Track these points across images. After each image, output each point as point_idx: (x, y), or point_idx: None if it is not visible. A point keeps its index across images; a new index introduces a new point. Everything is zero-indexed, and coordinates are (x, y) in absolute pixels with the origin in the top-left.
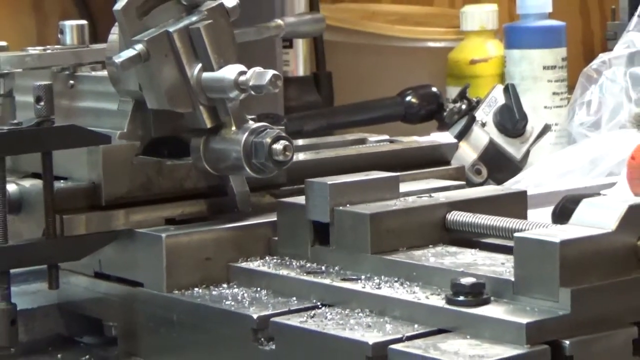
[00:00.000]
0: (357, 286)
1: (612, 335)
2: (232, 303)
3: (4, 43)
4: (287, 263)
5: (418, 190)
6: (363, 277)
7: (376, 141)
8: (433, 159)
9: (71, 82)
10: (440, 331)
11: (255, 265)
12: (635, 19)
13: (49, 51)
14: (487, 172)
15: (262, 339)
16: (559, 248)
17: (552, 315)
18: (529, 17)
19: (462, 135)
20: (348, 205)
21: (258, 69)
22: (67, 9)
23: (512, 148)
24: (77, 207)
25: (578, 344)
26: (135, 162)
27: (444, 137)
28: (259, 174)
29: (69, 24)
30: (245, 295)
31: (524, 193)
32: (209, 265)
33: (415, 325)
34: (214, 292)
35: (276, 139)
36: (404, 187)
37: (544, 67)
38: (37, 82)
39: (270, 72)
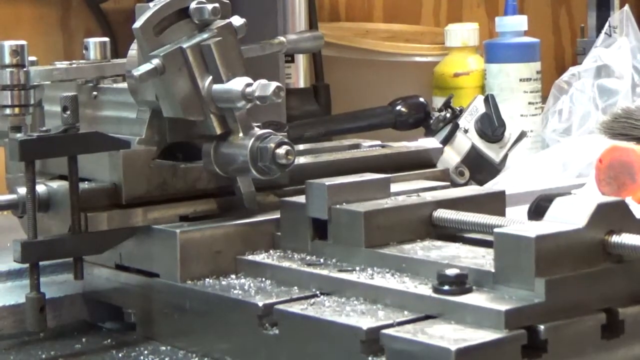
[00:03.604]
0: (352, 277)
1: (583, 321)
2: (240, 292)
3: (34, 58)
4: (289, 256)
5: (407, 190)
6: (358, 268)
7: (369, 146)
8: (420, 162)
9: (94, 93)
10: (427, 317)
11: (260, 258)
12: (602, 36)
13: (74, 65)
14: (469, 174)
15: (267, 325)
16: (534, 242)
17: (528, 302)
18: (506, 34)
19: (446, 140)
20: (344, 204)
21: (263, 81)
22: (91, 27)
23: (491, 152)
24: (100, 206)
25: (552, 328)
26: (153, 165)
27: (431, 143)
28: (264, 176)
29: (93, 41)
30: (252, 285)
31: (502, 193)
32: (219, 257)
33: (405, 312)
34: (223, 282)
35: (279, 144)
36: (394, 188)
37: (520, 80)
38: (64, 93)
39: (274, 84)
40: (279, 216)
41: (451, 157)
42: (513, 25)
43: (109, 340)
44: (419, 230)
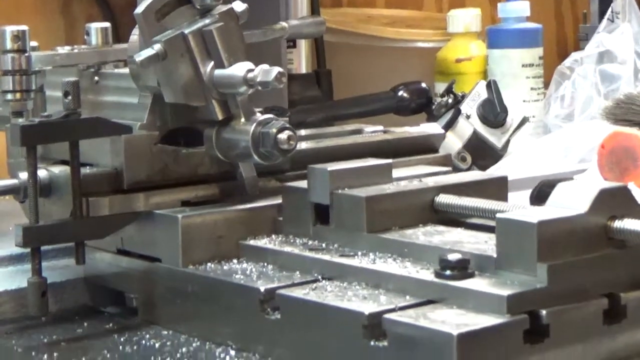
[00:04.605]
0: (354, 262)
1: (585, 306)
2: (242, 277)
3: (35, 43)
4: (291, 241)
5: (409, 176)
6: (359, 253)
7: (371, 131)
8: (423, 148)
9: (96, 78)
10: (429, 302)
11: (262, 242)
12: (604, 21)
13: (76, 50)
14: (471, 159)
15: (269, 309)
16: (536, 227)
17: (530, 287)
18: (509, 20)
19: (448, 126)
20: (346, 189)
21: (265, 66)
22: (92, 12)
23: (494, 138)
24: (102, 191)
25: (554, 313)
26: (154, 150)
27: (433, 128)
28: (266, 161)
29: (94, 26)
30: (254, 269)
31: (504, 178)
32: (221, 242)
33: (407, 297)
34: (225, 267)
35: (281, 130)
36: (396, 173)
37: (523, 65)
38: (65, 79)
39: (276, 70)
40: (280, 201)
41: (453, 142)
42: (515, 10)
43: (110, 325)
44: (421, 216)
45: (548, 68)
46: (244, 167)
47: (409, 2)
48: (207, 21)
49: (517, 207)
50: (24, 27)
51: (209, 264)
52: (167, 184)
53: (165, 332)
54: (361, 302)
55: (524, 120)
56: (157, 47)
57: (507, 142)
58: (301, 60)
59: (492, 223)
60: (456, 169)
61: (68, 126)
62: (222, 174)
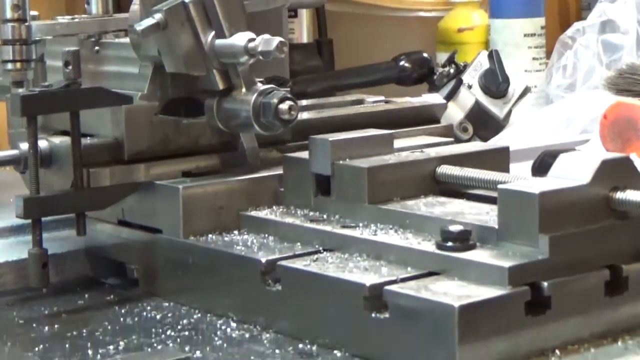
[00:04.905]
0: (355, 233)
1: (586, 278)
2: (243, 248)
3: (35, 13)
4: (292, 212)
5: (411, 146)
6: (361, 224)
7: (373, 102)
8: (424, 118)
9: (96, 48)
10: (430, 274)
11: (263, 214)
12: None
13: (76, 20)
14: (473, 130)
15: (270, 281)
16: (538, 198)
17: (532, 259)
18: None
19: (450, 96)
20: (347, 160)
21: (266, 36)
22: None
23: (495, 108)
24: (102, 162)
25: (555, 285)
26: (155, 120)
27: (434, 98)
28: (267, 131)
29: None
30: (255, 241)
31: (506, 149)
32: (222, 213)
33: (408, 268)
34: (226, 238)
35: (282, 100)
36: (398, 143)
37: (525, 35)
38: (66, 48)
39: (277, 39)
40: (282, 172)
41: (455, 112)
42: None
43: (111, 296)
44: (422, 186)
45: (550, 38)
46: (245, 137)
47: None
48: None
49: (519, 178)
50: None
51: (209, 235)
52: (167, 154)
53: (166, 304)
54: (362, 273)
55: (526, 91)
56: (158, 16)
57: (509, 112)
58: (302, 30)
59: (493, 194)
60: (458, 140)
61: (68, 96)
62: (223, 144)
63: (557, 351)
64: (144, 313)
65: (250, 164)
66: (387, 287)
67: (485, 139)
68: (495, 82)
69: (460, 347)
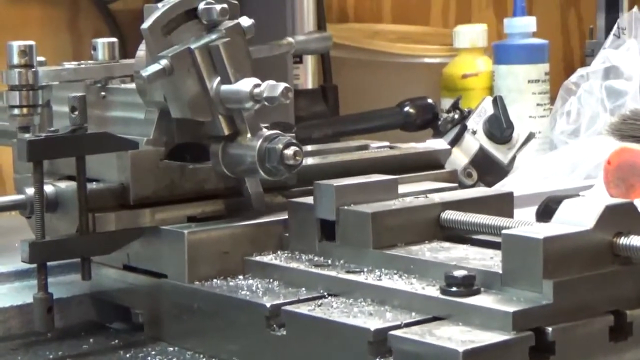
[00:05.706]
0: (360, 278)
1: (591, 323)
2: (247, 293)
3: (42, 58)
4: (297, 257)
5: (415, 192)
6: (365, 269)
7: (377, 147)
8: (429, 164)
9: (103, 93)
10: (435, 319)
11: (268, 259)
12: (610, 37)
13: (83, 66)
14: (477, 175)
15: (275, 326)
16: (542, 244)
17: (536, 304)
18: (515, 35)
19: (454, 142)
20: (352, 205)
21: (271, 82)
22: (99, 28)
23: (500, 154)
24: (108, 206)
25: (560, 330)
26: (161, 165)
27: (439, 144)
28: (272, 177)
29: (101, 41)
30: (259, 286)
31: (510, 194)
32: (227, 258)
33: (413, 314)
34: (231, 283)
35: (287, 145)
36: (402, 189)
37: (529, 81)
38: (72, 94)
39: (282, 85)
40: (286, 217)
41: (459, 158)
42: (522, 26)
43: (116, 341)
44: (426, 232)
45: (554, 84)
46: (250, 182)
47: (416, 18)
48: (213, 36)
49: (523, 223)
50: (31, 43)
51: (214, 280)
52: (173, 199)
53: (171, 349)
54: (367, 318)
55: (530, 136)
56: (164, 62)
57: (513, 158)
58: (307, 76)
59: (498, 239)
60: (462, 185)
61: (75, 141)
62: (228, 189)
63: None
64: (149, 358)
65: (255, 209)
66: (392, 332)
67: (489, 184)
68: (500, 128)
69: None
